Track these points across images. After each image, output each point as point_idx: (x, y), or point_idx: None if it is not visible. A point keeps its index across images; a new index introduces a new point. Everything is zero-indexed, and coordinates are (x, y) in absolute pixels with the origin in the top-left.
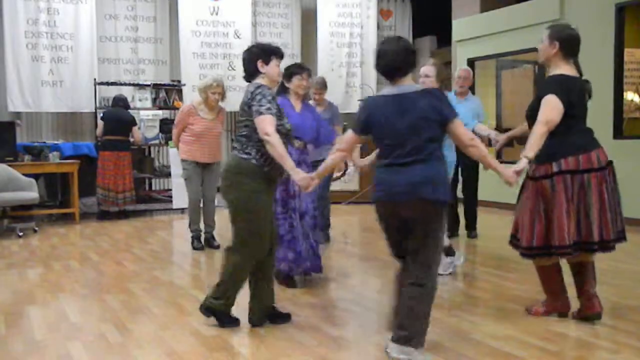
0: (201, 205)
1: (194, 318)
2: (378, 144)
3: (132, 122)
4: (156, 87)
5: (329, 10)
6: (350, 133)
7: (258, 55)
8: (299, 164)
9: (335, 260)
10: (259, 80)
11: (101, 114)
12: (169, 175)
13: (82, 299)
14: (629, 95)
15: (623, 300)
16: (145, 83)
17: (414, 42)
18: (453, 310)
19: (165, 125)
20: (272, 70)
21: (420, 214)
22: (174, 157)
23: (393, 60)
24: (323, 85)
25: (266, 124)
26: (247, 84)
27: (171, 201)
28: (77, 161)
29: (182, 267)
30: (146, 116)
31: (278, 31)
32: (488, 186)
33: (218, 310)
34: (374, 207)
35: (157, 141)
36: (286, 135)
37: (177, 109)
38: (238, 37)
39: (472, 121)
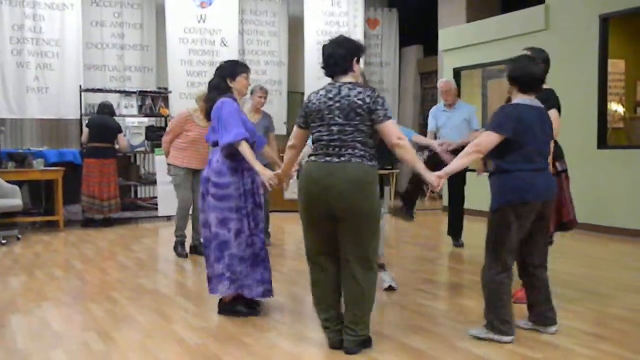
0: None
1: (178, 326)
2: (516, 148)
3: (118, 129)
4: (142, 94)
5: (316, 18)
6: (492, 135)
7: (354, 52)
8: (249, 170)
9: None
10: (349, 79)
11: (86, 121)
12: (154, 182)
13: (66, 307)
14: (613, 106)
15: (605, 308)
16: (131, 90)
17: (401, 51)
18: (439, 318)
19: (152, 133)
20: (359, 70)
21: (550, 211)
22: (159, 165)
23: (542, 76)
24: (266, 91)
25: (397, 128)
26: (331, 82)
27: (157, 209)
28: (62, 168)
29: (167, 275)
30: (132, 123)
31: (265, 39)
32: (472, 194)
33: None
34: (516, 209)
35: (142, 148)
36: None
37: (163, 116)
38: (225, 44)
39: (462, 129)
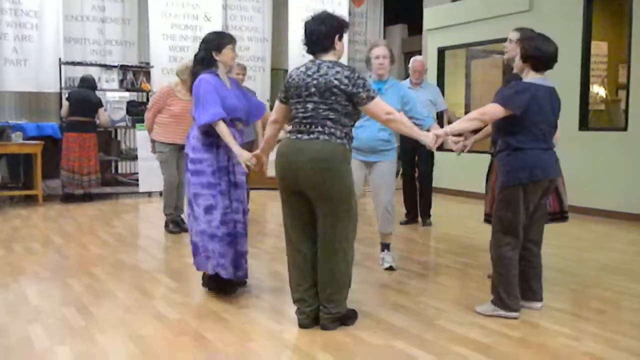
0: None
1: (158, 302)
2: (530, 126)
3: (98, 103)
4: (124, 68)
5: None
6: (498, 108)
7: (337, 29)
8: (226, 147)
9: None
10: (330, 57)
11: (66, 94)
12: (135, 158)
13: (44, 282)
14: (595, 88)
15: (585, 288)
16: (112, 64)
17: (385, 30)
18: (418, 297)
19: (133, 108)
20: (342, 47)
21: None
22: (141, 140)
23: (556, 55)
24: (244, 67)
25: (383, 104)
26: (312, 61)
27: (137, 184)
28: (41, 142)
29: (147, 251)
30: (113, 98)
31: (249, 15)
32: (444, 173)
33: (346, 312)
34: (526, 186)
35: (123, 123)
36: (231, 120)
37: (145, 91)
38: (208, 19)
39: (427, 111)
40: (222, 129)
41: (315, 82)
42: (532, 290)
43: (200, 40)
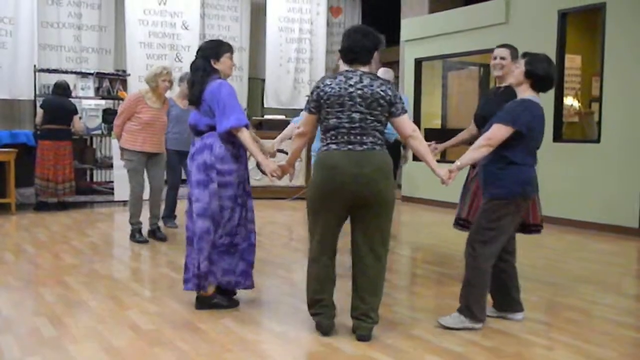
0: (145, 197)
1: (132, 312)
2: (526, 142)
3: (74, 110)
4: (100, 76)
5: (278, 5)
6: (504, 129)
7: (377, 45)
8: (245, 157)
9: (279, 255)
10: (367, 70)
11: (40, 102)
12: (111, 166)
13: (16, 291)
14: (569, 100)
15: (558, 298)
16: (88, 71)
17: None
18: (394, 306)
19: (109, 116)
20: (374, 62)
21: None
22: (116, 148)
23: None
24: (170, 72)
25: (410, 121)
26: (359, 72)
27: (113, 193)
28: (14, 150)
29: (122, 261)
30: (88, 105)
31: (226, 24)
32: (418, 183)
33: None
34: (518, 202)
35: (99, 132)
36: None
37: (121, 99)
38: (186, 28)
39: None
40: (246, 136)
41: (360, 92)
42: (515, 301)
43: (197, 49)
